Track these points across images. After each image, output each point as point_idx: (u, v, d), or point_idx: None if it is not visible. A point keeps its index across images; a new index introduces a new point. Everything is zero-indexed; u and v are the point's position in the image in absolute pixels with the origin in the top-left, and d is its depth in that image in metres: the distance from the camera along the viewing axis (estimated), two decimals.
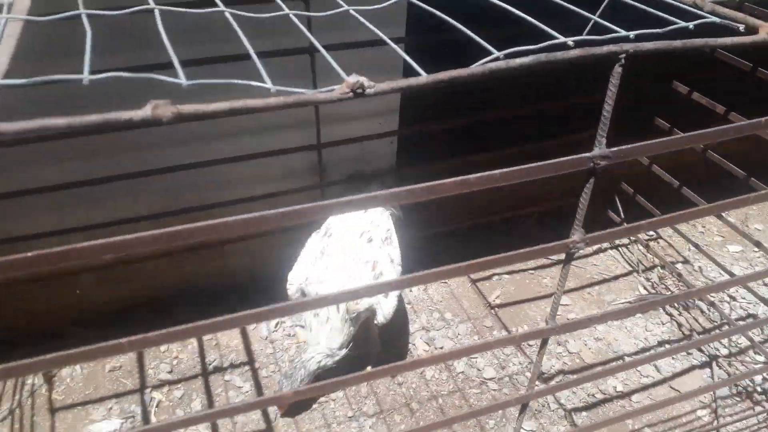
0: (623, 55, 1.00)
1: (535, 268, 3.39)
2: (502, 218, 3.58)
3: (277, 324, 2.98)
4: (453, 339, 2.94)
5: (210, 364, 2.78)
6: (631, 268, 3.41)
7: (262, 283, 2.84)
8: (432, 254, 3.31)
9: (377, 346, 2.80)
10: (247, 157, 2.64)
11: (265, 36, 1.45)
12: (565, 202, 3.48)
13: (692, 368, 2.83)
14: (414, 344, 2.91)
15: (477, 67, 0.96)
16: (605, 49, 0.99)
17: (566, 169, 1.08)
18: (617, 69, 1.02)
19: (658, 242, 3.60)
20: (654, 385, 2.76)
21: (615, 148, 1.09)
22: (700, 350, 2.89)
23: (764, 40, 1.08)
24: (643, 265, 3.41)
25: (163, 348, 2.85)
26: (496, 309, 3.13)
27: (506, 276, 3.33)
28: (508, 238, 3.54)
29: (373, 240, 2.49)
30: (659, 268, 3.37)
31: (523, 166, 1.10)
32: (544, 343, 1.33)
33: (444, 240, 3.38)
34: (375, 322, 2.44)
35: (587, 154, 1.07)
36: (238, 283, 3.06)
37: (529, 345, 2.94)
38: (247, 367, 2.78)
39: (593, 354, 2.90)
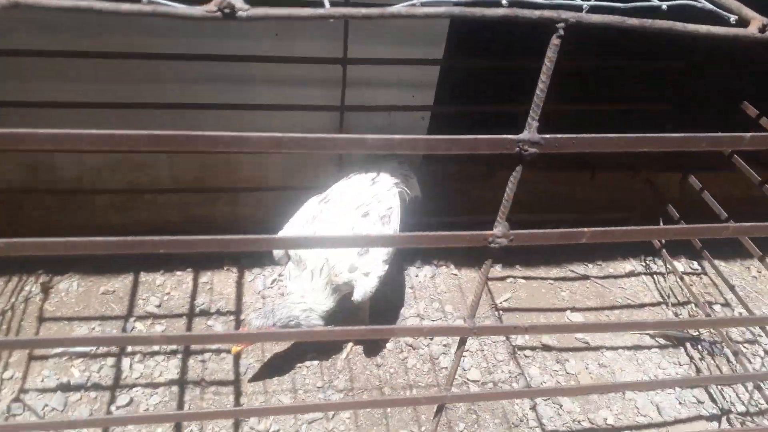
0: (562, 25, 0.83)
1: (555, 279, 3.17)
2: (538, 220, 3.36)
3: (273, 281, 2.94)
4: None
5: (198, 307, 2.78)
6: (661, 300, 3.12)
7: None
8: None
9: (365, 323, 2.70)
10: (267, 107, 2.59)
11: None
12: (613, 215, 3.26)
13: (699, 418, 2.55)
14: None
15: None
16: (537, 14, 0.83)
17: (488, 148, 0.93)
18: (554, 40, 0.85)
19: (701, 278, 3.28)
20: (650, 426, 2.51)
21: (548, 136, 0.93)
22: (713, 400, 2.61)
23: (752, 35, 0.87)
24: (675, 298, 3.11)
25: (158, 282, 2.87)
26: (501, 312, 2.95)
27: (522, 280, 3.13)
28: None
29: (369, 215, 2.38)
30: (693, 305, 3.06)
31: (441, 137, 0.96)
32: (461, 343, 1.18)
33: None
34: (352, 298, 2.34)
35: (512, 136, 0.92)
36: (246, 232, 3.03)
37: (525, 356, 2.75)
38: (232, 317, 2.76)
39: (592, 379, 2.68)
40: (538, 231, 1.08)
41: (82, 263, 2.90)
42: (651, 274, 3.26)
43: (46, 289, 2.76)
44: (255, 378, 2.51)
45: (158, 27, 2.31)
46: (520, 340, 2.82)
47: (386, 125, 2.83)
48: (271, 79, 2.60)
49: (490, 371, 2.66)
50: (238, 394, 2.46)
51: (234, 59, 2.41)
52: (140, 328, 2.66)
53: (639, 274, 3.26)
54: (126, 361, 2.52)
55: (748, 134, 0.97)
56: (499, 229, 1.01)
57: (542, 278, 3.16)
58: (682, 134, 0.95)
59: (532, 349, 2.79)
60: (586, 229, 1.11)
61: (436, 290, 3.02)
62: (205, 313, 2.76)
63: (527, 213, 3.20)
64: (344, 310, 2.50)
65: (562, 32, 0.83)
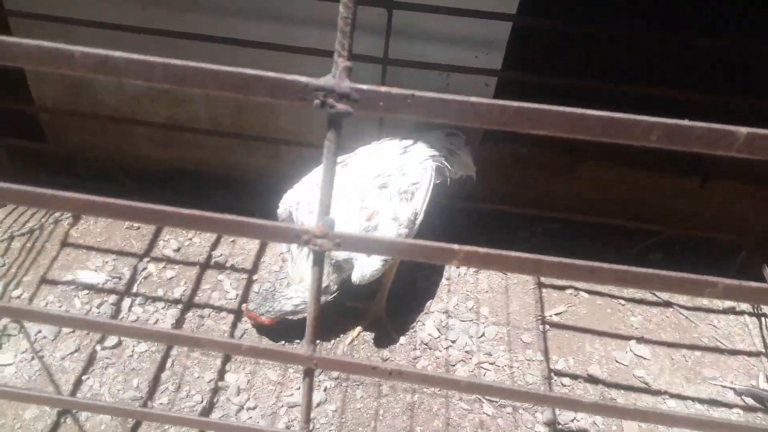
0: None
1: (628, 300, 2.62)
2: (622, 229, 2.81)
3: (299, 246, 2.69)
4: (472, 338, 2.39)
5: (214, 258, 2.61)
6: (762, 350, 2.47)
7: None
8: (476, 234, 2.77)
9: (379, 308, 2.38)
10: (298, 50, 2.29)
11: None
12: (720, 236, 2.64)
13: None
14: (423, 324, 2.42)
15: None
16: None
17: (266, 92, 0.56)
18: None
19: None
20: None
21: (366, 87, 0.54)
22: None
23: None
24: None
25: (188, 233, 2.74)
26: (548, 327, 2.48)
27: (585, 294, 2.62)
28: (607, 251, 2.79)
29: (387, 187, 2.03)
30: None
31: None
32: (307, 374, 0.83)
33: (511, 226, 2.79)
34: (352, 278, 2.03)
35: (306, 79, 0.54)
36: (281, 185, 2.81)
37: (562, 384, 2.29)
38: (244, 276, 2.56)
39: (641, 430, 2.16)
40: (373, 237, 0.68)
41: (118, 195, 2.83)
42: (758, 315, 2.59)
43: (76, 215, 2.73)
44: (252, 338, 2.30)
45: None
46: (561, 363, 2.35)
47: (442, 88, 2.43)
48: (314, 19, 2.31)
49: None
50: (226, 359, 2.27)
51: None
52: (151, 270, 2.55)
53: (741, 312, 2.60)
54: (127, 302, 2.42)
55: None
56: (318, 225, 0.64)
57: (611, 296, 2.62)
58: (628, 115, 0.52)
59: (573, 377, 2.31)
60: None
61: (476, 287, 2.60)
62: (220, 267, 2.58)
63: (607, 216, 2.70)
64: (350, 289, 2.21)
65: None
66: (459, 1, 2.14)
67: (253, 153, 2.79)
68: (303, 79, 0.55)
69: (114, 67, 0.57)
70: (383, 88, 0.56)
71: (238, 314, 2.40)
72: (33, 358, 2.20)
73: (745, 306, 2.62)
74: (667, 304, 2.61)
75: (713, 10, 3.04)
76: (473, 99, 0.56)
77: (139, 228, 2.71)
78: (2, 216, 2.71)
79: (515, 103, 0.56)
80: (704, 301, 2.64)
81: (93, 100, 2.67)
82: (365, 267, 1.97)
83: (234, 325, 2.37)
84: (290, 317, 2.19)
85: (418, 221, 2.11)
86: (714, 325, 2.55)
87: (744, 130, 0.53)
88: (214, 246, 2.67)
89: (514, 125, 0.57)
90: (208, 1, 2.33)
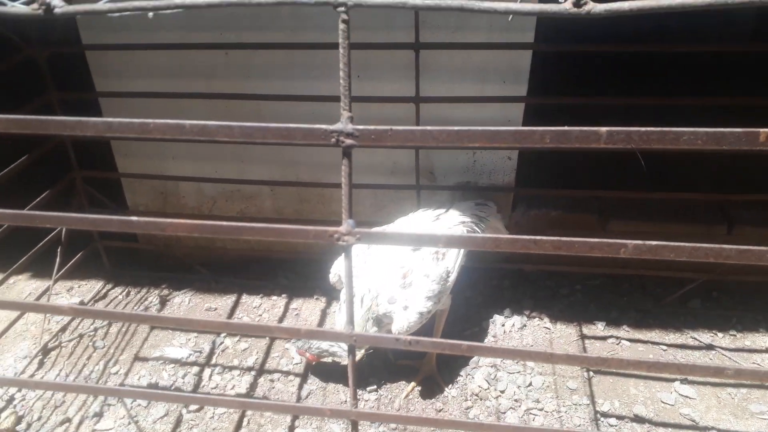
0: (343, 9, 0.79)
1: (670, 345, 2.74)
2: (658, 279, 2.98)
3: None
4: (520, 387, 2.56)
5: None
6: None
7: None
8: (500, 289, 3.00)
9: (430, 365, 2.61)
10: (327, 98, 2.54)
11: None
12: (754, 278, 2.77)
13: None
14: (473, 377, 2.62)
15: None
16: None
17: (302, 138, 0.91)
18: (341, 24, 0.81)
19: None
20: None
21: (362, 127, 0.88)
22: None
23: (566, 11, 0.72)
24: None
25: (255, 303, 3.10)
26: (593, 373, 2.62)
27: (627, 342, 2.76)
28: (646, 301, 2.94)
29: (420, 250, 2.33)
30: None
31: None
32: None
33: (544, 283, 3.00)
34: (392, 330, 2.29)
35: (326, 126, 0.89)
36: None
37: (609, 425, 2.40)
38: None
39: None
40: (388, 231, 0.98)
41: (197, 283, 3.25)
42: None
43: (163, 301, 3.14)
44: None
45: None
46: (606, 405, 2.47)
47: (470, 164, 2.77)
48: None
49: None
50: (295, 417, 2.52)
51: (305, 47, 2.52)
52: (228, 344, 2.88)
53: None
54: (207, 372, 2.74)
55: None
56: (345, 226, 0.96)
57: (653, 342, 2.75)
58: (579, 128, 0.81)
59: (620, 418, 2.43)
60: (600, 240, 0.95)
61: (521, 341, 2.80)
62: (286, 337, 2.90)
63: (641, 268, 2.89)
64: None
65: (345, 16, 0.80)
66: (478, 90, 2.52)
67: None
68: (323, 126, 0.90)
69: (199, 131, 0.94)
70: (372, 127, 0.89)
71: (304, 377, 2.67)
72: (129, 423, 2.52)
73: None
74: (709, 347, 2.71)
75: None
76: (430, 128, 0.88)
77: (216, 309, 3.09)
78: (102, 306, 3.14)
79: (456, 129, 0.88)
80: (747, 342, 2.73)
81: (178, 203, 3.15)
82: (404, 319, 2.23)
83: (300, 387, 2.64)
84: (328, 358, 2.41)
85: (451, 278, 2.37)
86: (758, 364, 2.62)
87: (603, 129, 0.83)
88: (281, 320, 3.00)
89: (458, 142, 0.88)
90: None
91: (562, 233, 3.01)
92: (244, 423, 2.50)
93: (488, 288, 3.10)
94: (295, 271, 3.26)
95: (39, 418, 2.55)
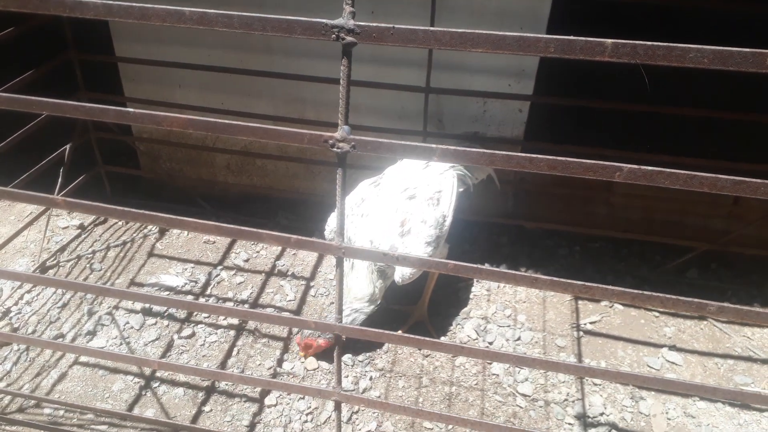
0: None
1: (662, 312, 2.74)
2: (661, 246, 2.97)
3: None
4: (508, 341, 2.58)
5: (277, 267, 2.94)
6: None
7: None
8: (499, 245, 3.01)
9: (422, 311, 2.62)
10: (355, 83, 2.66)
11: None
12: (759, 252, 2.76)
13: None
14: (462, 327, 2.63)
15: None
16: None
17: (303, 32, 0.88)
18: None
19: None
20: None
21: (364, 23, 0.85)
22: None
23: None
24: None
25: (254, 242, 3.11)
26: (582, 333, 2.63)
27: (620, 306, 2.76)
28: (642, 267, 2.94)
29: (416, 197, 2.31)
30: None
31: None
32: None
33: (549, 245, 2.99)
34: (394, 279, 2.30)
35: (327, 21, 0.86)
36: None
37: (594, 383, 2.42)
38: (303, 282, 2.87)
39: (670, 427, 2.26)
40: (383, 140, 0.96)
41: (198, 216, 3.19)
42: None
43: (162, 231, 3.15)
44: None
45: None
46: (593, 365, 2.49)
47: (480, 114, 2.74)
48: (371, 58, 2.68)
49: (546, 389, 2.39)
50: (285, 349, 2.55)
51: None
52: (223, 276, 2.90)
53: None
54: (201, 301, 2.76)
55: None
56: (340, 132, 0.94)
57: (646, 308, 2.75)
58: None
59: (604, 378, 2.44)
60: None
61: (514, 297, 2.80)
62: (282, 274, 2.91)
63: (641, 233, 2.87)
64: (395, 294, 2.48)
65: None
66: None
67: (314, 178, 3.16)
68: (324, 21, 0.87)
69: (198, 19, 0.91)
70: (374, 24, 0.86)
71: (296, 313, 2.70)
72: (121, 344, 2.56)
73: None
74: (701, 317, 2.71)
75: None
76: (433, 29, 0.86)
77: (214, 242, 3.10)
78: (101, 231, 3.16)
79: (459, 31, 0.85)
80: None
81: (182, 133, 3.14)
82: (404, 268, 2.23)
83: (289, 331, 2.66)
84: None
85: (447, 222, 2.37)
86: (748, 337, 2.63)
87: (609, 41, 0.80)
88: (278, 257, 3.01)
89: (461, 46, 0.86)
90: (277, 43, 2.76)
91: (567, 192, 3.00)
92: (234, 353, 2.53)
93: (487, 243, 3.09)
94: (296, 212, 3.26)
95: (33, 332, 2.59)
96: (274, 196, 3.26)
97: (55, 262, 2.96)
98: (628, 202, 2.94)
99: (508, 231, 3.12)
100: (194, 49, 2.80)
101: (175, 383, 2.39)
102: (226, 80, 2.86)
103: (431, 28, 0.83)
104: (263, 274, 2.92)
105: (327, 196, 3.15)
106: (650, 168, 0.88)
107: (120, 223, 3.22)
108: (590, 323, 2.69)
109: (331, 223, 2.45)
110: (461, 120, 2.76)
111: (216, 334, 2.61)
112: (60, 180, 2.96)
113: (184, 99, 2.98)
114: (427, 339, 1.07)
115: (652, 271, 2.94)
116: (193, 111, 2.98)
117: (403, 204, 2.31)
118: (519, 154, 0.91)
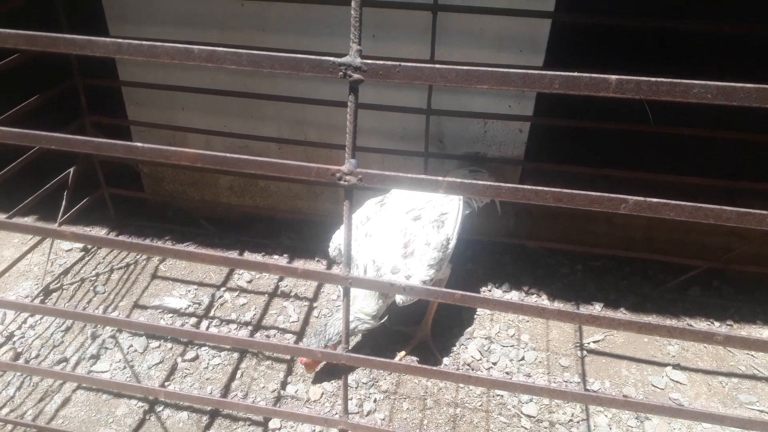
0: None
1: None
2: (662, 265, 2.98)
3: None
4: (512, 361, 2.58)
5: (281, 288, 2.95)
6: None
7: None
8: (501, 264, 3.02)
9: (425, 331, 2.62)
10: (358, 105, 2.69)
11: None
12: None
13: None
14: (466, 347, 2.63)
15: None
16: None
17: (310, 70, 0.90)
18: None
19: None
20: None
21: (371, 61, 0.87)
22: None
23: None
24: None
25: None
26: (586, 353, 2.63)
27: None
28: (644, 286, 2.94)
29: (420, 219, 2.32)
30: None
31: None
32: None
33: (540, 258, 3.00)
34: (396, 300, 2.30)
35: (334, 59, 0.88)
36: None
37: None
38: (306, 303, 2.87)
39: None
40: (390, 173, 0.97)
41: (200, 238, 3.27)
42: None
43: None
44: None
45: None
46: (597, 384, 2.49)
47: (481, 134, 2.76)
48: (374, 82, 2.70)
49: (551, 410, 2.39)
50: (288, 371, 2.54)
51: (322, 1, 2.52)
52: (227, 298, 2.90)
53: None
54: (204, 323, 2.77)
55: None
56: (347, 166, 0.95)
57: None
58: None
59: None
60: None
61: (517, 316, 2.80)
62: (285, 295, 2.91)
63: (643, 252, 2.88)
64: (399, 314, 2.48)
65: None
66: (491, 57, 2.50)
67: (317, 198, 3.17)
68: (332, 59, 0.89)
69: (207, 57, 0.93)
70: (380, 62, 0.88)
71: (300, 335, 2.70)
72: (125, 367, 2.55)
73: None
74: (707, 337, 2.71)
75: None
76: (439, 66, 0.87)
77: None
78: (105, 253, 3.17)
79: (465, 68, 0.87)
80: (743, 333, 2.72)
81: None
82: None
83: (296, 344, 2.66)
84: (357, 336, 2.40)
85: (450, 245, 2.37)
86: (752, 355, 2.62)
87: (613, 77, 0.82)
88: (281, 278, 3.01)
89: (467, 83, 0.87)
90: None
91: (569, 211, 3.01)
92: (238, 375, 2.52)
93: (490, 262, 3.10)
94: (298, 232, 3.27)
95: (37, 356, 2.59)
96: (277, 216, 3.28)
97: (58, 285, 2.96)
98: (629, 220, 2.95)
99: (511, 250, 3.13)
100: (197, 72, 2.82)
101: (179, 407, 2.38)
102: (230, 103, 2.89)
103: (437, 66, 0.85)
104: (266, 295, 2.92)
105: (330, 216, 3.17)
106: (655, 200, 0.90)
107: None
108: (593, 342, 2.69)
109: (335, 240, 2.45)
110: (462, 140, 2.78)
111: (219, 356, 2.61)
112: (64, 203, 2.97)
113: (188, 122, 3.00)
114: (435, 369, 1.07)
115: (655, 289, 2.94)
116: (197, 133, 3.01)
117: (407, 225, 2.32)
118: (525, 186, 0.91)
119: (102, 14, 2.80)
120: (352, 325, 2.42)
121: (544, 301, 2.90)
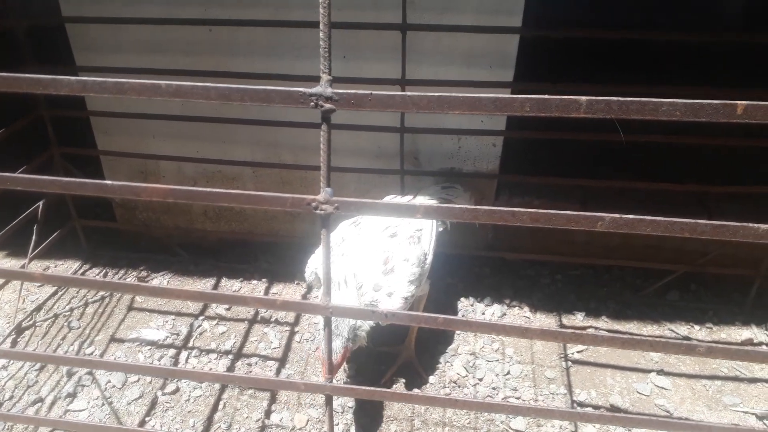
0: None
1: (647, 337, 2.75)
2: (638, 270, 3.01)
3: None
4: (498, 375, 2.57)
5: (260, 314, 2.90)
6: None
7: None
8: (481, 277, 3.02)
9: (409, 350, 2.60)
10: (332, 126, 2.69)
11: None
12: (729, 271, 2.80)
13: None
14: (451, 364, 2.62)
15: None
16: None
17: (281, 101, 0.89)
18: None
19: None
20: None
21: (342, 90, 0.86)
22: None
23: None
24: None
25: (235, 287, 3.07)
26: (570, 363, 2.63)
27: (605, 333, 2.77)
28: (624, 292, 2.97)
29: (397, 236, 2.31)
30: None
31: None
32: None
33: (531, 274, 3.00)
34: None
35: (304, 89, 0.87)
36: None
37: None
38: (287, 329, 2.83)
39: None
40: (366, 201, 0.97)
41: (175, 266, 3.21)
42: None
43: (142, 280, 3.10)
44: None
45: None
46: (583, 395, 2.49)
47: (455, 150, 2.77)
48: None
49: (539, 423, 2.37)
50: (272, 400, 2.50)
51: (290, 25, 2.52)
52: (206, 327, 2.85)
53: (760, 343, 2.70)
54: (184, 354, 2.71)
55: None
56: (322, 195, 0.94)
57: (630, 333, 2.77)
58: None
59: (596, 407, 2.44)
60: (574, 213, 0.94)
61: None
62: (266, 321, 2.87)
63: (621, 259, 2.91)
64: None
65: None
66: (462, 73, 2.51)
67: (293, 220, 3.14)
68: (302, 89, 0.88)
69: (174, 92, 0.91)
70: (351, 91, 0.87)
71: (282, 361, 2.65)
72: (103, 404, 2.48)
73: (763, 338, 2.72)
74: (686, 339, 2.73)
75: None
76: (411, 93, 0.87)
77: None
78: (78, 287, 3.09)
79: (436, 95, 0.86)
80: (722, 335, 2.75)
81: (157, 183, 3.10)
82: (389, 305, 2.20)
83: (278, 372, 2.62)
84: (354, 333, 2.29)
85: (428, 260, 2.36)
86: None
87: (583, 99, 0.82)
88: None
89: (438, 109, 0.87)
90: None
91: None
92: (220, 406, 2.47)
93: (469, 275, 3.10)
94: (276, 255, 3.24)
95: (11, 397, 2.50)
96: (253, 240, 3.24)
97: (31, 322, 2.88)
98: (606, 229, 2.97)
99: (490, 262, 3.14)
100: (167, 100, 2.79)
101: None
102: (202, 128, 2.86)
103: (408, 93, 0.84)
104: (246, 322, 2.88)
105: (306, 237, 3.14)
106: (631, 217, 0.90)
107: (98, 277, 3.16)
108: (578, 352, 2.69)
109: (311, 264, 2.42)
110: (437, 157, 2.78)
111: (201, 387, 2.55)
112: (34, 237, 2.90)
113: (159, 149, 2.96)
114: (422, 395, 1.05)
115: (634, 295, 2.97)
116: (169, 160, 2.97)
117: (385, 242, 2.30)
118: (502, 208, 0.91)
119: (68, 44, 2.76)
120: (351, 334, 2.35)
121: (525, 312, 2.90)
